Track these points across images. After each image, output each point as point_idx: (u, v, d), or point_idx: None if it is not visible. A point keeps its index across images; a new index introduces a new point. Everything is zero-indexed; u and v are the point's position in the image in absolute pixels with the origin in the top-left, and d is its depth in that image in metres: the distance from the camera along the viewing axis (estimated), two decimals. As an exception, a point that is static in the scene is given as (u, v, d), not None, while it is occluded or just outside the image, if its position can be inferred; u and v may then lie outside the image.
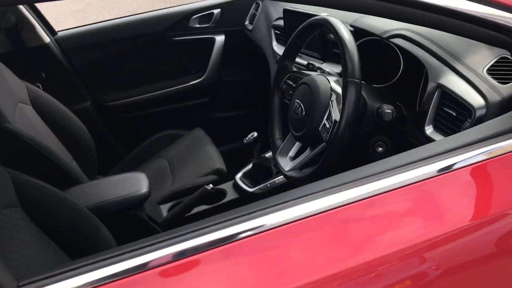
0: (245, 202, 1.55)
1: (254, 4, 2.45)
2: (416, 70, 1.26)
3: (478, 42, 1.20)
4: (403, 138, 1.29)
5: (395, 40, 1.28)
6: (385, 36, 1.29)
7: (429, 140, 1.18)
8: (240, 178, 1.91)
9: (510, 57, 1.11)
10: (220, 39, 2.47)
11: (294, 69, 1.47)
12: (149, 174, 1.64)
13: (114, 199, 1.51)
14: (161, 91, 2.47)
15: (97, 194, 1.52)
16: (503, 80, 1.07)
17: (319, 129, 1.24)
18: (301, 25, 1.37)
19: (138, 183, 1.61)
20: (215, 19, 2.46)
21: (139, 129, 2.47)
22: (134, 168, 2.18)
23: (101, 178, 1.79)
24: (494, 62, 1.13)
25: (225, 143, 2.52)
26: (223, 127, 2.61)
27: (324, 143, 1.27)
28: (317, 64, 1.53)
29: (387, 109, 1.20)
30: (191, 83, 2.49)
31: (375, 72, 1.40)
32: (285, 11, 1.81)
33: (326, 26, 1.25)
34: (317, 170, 1.22)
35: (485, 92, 1.05)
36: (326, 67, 1.55)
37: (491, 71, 1.11)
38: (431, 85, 1.17)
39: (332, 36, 1.39)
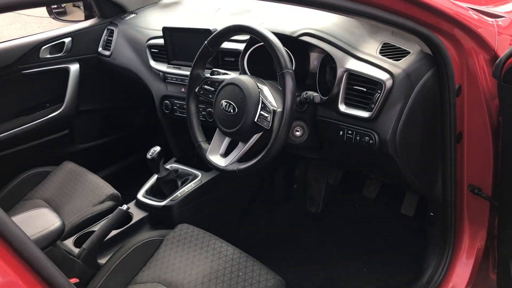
0: (157, 217, 1.58)
1: (105, 31, 2.45)
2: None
3: (363, 33, 1.53)
4: (316, 120, 1.53)
5: (304, 38, 1.52)
6: (295, 35, 1.53)
7: (344, 115, 1.44)
8: (144, 196, 1.90)
9: (390, 42, 1.46)
10: (74, 68, 2.40)
11: (207, 76, 1.58)
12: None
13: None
14: (17, 129, 2.27)
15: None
16: (394, 59, 1.39)
17: (255, 120, 1.39)
18: (215, 33, 1.50)
19: (46, 218, 1.51)
20: (67, 48, 2.38)
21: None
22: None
23: None
24: (381, 47, 1.45)
25: (101, 169, 2.45)
26: (92, 156, 2.53)
27: (261, 132, 1.42)
28: (222, 71, 1.67)
29: (305, 95, 1.42)
30: (49, 116, 2.35)
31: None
32: (165, 29, 1.90)
33: (246, 30, 1.42)
34: (264, 156, 1.36)
35: (387, 67, 1.36)
36: (229, 73, 1.71)
37: (381, 53, 1.43)
38: (340, 71, 1.43)
39: (223, 46, 1.57)
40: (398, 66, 1.36)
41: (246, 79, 1.44)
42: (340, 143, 1.49)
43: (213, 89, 1.55)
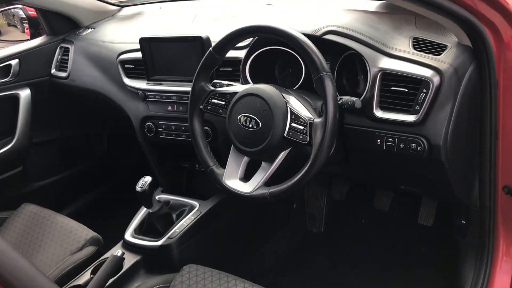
0: (153, 260, 1.33)
1: (58, 49, 2.14)
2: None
3: (387, 29, 1.36)
4: (343, 129, 1.34)
5: (328, 36, 1.33)
6: (317, 34, 1.33)
7: (382, 120, 1.26)
8: (133, 236, 1.62)
9: (420, 37, 1.31)
10: (25, 94, 2.06)
11: (212, 88, 1.35)
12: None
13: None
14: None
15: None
16: (434, 54, 1.24)
17: (285, 135, 1.18)
18: (223, 38, 1.27)
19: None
20: (14, 72, 2.04)
21: None
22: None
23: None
24: (413, 42, 1.29)
25: (64, 208, 2.12)
26: (52, 194, 2.19)
27: (288, 149, 1.22)
28: (225, 82, 1.44)
29: (341, 101, 1.23)
30: (-2, 152, 2.00)
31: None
32: (143, 40, 1.64)
33: (266, 31, 1.20)
34: (304, 175, 1.14)
35: (430, 63, 1.20)
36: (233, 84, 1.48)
37: (416, 49, 1.27)
38: (373, 71, 1.25)
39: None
40: (443, 61, 1.20)
41: (268, 88, 1.23)
42: (377, 153, 1.31)
43: (223, 103, 1.32)
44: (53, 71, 2.13)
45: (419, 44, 1.28)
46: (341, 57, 1.37)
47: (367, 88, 1.27)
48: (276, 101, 1.20)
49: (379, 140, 1.28)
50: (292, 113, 1.18)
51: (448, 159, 1.23)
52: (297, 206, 2.12)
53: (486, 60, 1.21)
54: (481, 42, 1.19)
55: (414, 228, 1.93)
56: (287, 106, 1.19)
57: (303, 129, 1.16)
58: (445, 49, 1.24)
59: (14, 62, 2.04)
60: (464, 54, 1.22)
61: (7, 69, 2.02)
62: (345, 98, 1.22)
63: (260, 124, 1.21)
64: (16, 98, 2.04)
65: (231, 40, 1.27)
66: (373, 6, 1.55)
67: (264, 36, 1.28)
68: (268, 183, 1.25)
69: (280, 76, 1.57)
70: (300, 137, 1.16)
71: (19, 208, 1.81)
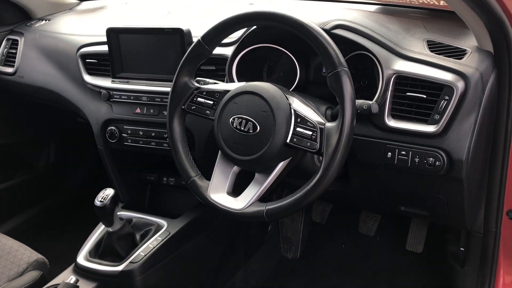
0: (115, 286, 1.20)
1: (5, 41, 1.87)
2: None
3: (398, 29, 1.22)
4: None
5: (337, 31, 1.16)
6: (326, 27, 1.15)
7: (394, 130, 1.10)
8: (88, 259, 1.36)
9: (435, 40, 1.17)
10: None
11: (197, 85, 1.14)
12: None
13: None
14: None
15: None
16: (455, 57, 1.10)
17: (287, 141, 1.00)
18: (214, 26, 1.08)
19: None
20: (-51, 65, 1.75)
21: None
22: None
23: None
24: (428, 45, 1.16)
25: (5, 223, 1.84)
26: None
27: (289, 158, 1.04)
28: (210, 80, 1.23)
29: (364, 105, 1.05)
30: None
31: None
32: (111, 31, 1.41)
33: (272, 18, 1.01)
34: (311, 190, 0.95)
35: (453, 67, 1.06)
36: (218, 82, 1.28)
37: (433, 52, 1.13)
38: (387, 73, 1.10)
39: None
40: (468, 65, 1.06)
41: (268, 86, 1.05)
42: (385, 168, 1.14)
43: (211, 102, 1.11)
44: (-4, 66, 1.85)
45: (435, 47, 1.14)
46: (347, 56, 1.20)
47: (378, 93, 1.11)
48: (279, 101, 1.01)
49: (389, 153, 1.11)
50: (297, 115, 1.00)
51: (468, 177, 1.08)
52: (272, 227, 1.92)
53: (508, 68, 1.09)
54: (506, 47, 1.07)
55: (401, 255, 1.77)
56: (291, 108, 1.01)
57: (312, 134, 0.97)
58: (465, 53, 1.11)
59: (-51, 53, 1.75)
60: (487, 60, 1.09)
61: None
62: (360, 101, 1.04)
63: (258, 128, 1.01)
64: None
65: (225, 28, 1.08)
66: (372, 9, 1.41)
67: (267, 26, 1.10)
68: (263, 198, 1.05)
69: (269, 79, 1.39)
70: (308, 144, 0.98)
71: None
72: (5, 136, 2.01)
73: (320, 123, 0.98)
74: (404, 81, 1.09)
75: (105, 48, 1.47)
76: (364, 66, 1.22)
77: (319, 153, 0.96)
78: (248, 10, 1.04)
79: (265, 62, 1.39)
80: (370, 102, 1.04)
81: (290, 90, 1.19)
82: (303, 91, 1.28)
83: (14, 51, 1.82)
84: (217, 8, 1.66)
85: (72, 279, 1.20)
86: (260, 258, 1.87)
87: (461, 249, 1.44)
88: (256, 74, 1.38)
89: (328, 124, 0.97)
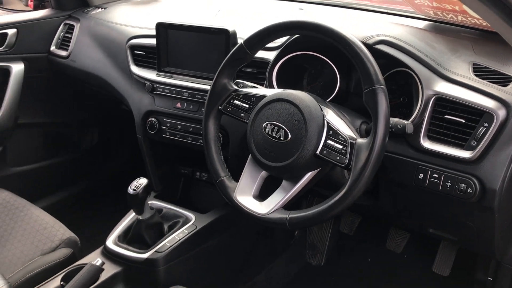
0: (135, 273, 1.20)
1: (62, 25, 1.95)
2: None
3: (444, 50, 1.20)
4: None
5: (379, 46, 1.15)
6: (369, 42, 1.15)
7: (428, 152, 1.08)
8: (116, 243, 1.41)
9: (481, 64, 1.14)
10: (18, 68, 1.86)
11: (235, 87, 1.17)
12: None
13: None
14: None
15: None
16: (499, 84, 1.07)
17: (317, 153, 1.00)
18: (257, 31, 1.09)
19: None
20: (10, 42, 1.84)
21: None
22: None
23: None
24: (473, 68, 1.13)
25: (41, 200, 1.90)
26: (29, 182, 1.97)
27: (317, 169, 1.04)
28: (249, 83, 1.26)
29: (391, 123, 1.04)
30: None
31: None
32: (160, 25, 1.46)
33: (315, 29, 1.02)
34: (337, 203, 0.96)
35: (496, 94, 1.03)
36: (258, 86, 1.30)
37: (477, 76, 1.10)
38: (427, 94, 1.08)
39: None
40: (511, 93, 1.03)
41: (304, 95, 1.05)
42: (415, 189, 1.13)
43: (247, 105, 1.13)
44: (52, 48, 1.93)
45: (481, 71, 1.12)
46: (389, 72, 1.19)
47: (415, 113, 1.10)
48: (313, 111, 1.02)
49: (421, 175, 1.10)
50: (330, 128, 1.00)
51: (500, 207, 1.05)
52: (299, 233, 1.93)
53: None
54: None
55: (427, 276, 1.74)
56: (324, 120, 1.01)
57: (342, 148, 0.98)
58: (511, 81, 1.08)
59: (11, 31, 1.84)
60: None
61: (2, 38, 1.82)
62: (395, 119, 1.03)
63: (290, 136, 1.02)
64: (6, 71, 1.83)
65: (268, 35, 1.09)
66: (421, 25, 1.39)
67: (309, 35, 1.10)
68: (287, 206, 1.06)
69: (309, 86, 1.39)
70: (337, 158, 0.98)
71: (-15, 193, 1.60)
72: (55, 115, 2.11)
73: (352, 138, 0.98)
74: (444, 103, 1.07)
75: (153, 41, 1.51)
76: (406, 83, 1.21)
77: (348, 168, 0.97)
78: (292, 19, 1.05)
79: (306, 69, 1.39)
80: (406, 121, 1.03)
81: (328, 100, 1.20)
82: (342, 102, 1.28)
83: (69, 35, 1.90)
84: (266, 11, 1.68)
85: (98, 261, 1.25)
86: (284, 261, 1.87)
87: (489, 278, 1.40)
88: (296, 81, 1.38)
89: (360, 140, 0.97)
